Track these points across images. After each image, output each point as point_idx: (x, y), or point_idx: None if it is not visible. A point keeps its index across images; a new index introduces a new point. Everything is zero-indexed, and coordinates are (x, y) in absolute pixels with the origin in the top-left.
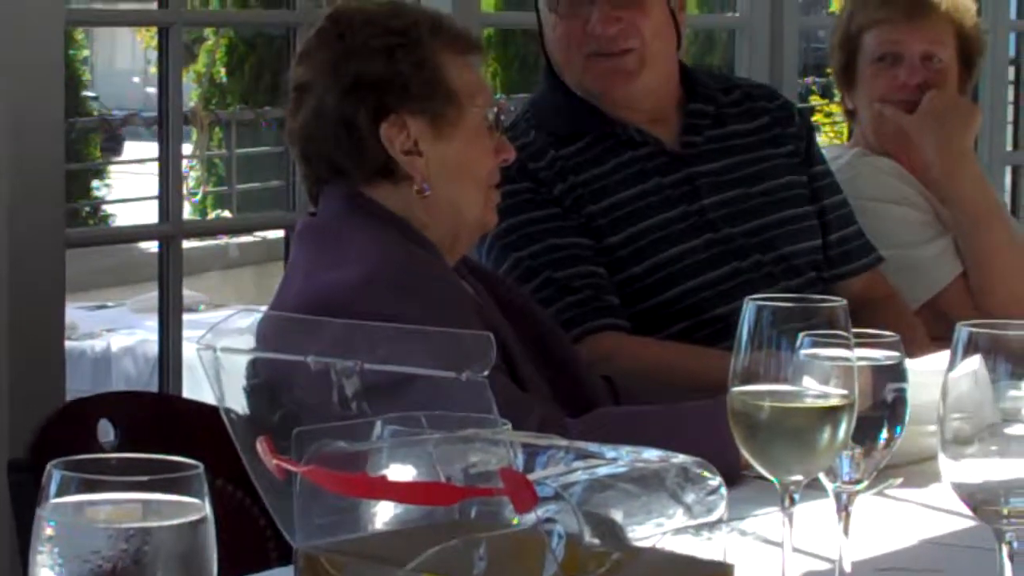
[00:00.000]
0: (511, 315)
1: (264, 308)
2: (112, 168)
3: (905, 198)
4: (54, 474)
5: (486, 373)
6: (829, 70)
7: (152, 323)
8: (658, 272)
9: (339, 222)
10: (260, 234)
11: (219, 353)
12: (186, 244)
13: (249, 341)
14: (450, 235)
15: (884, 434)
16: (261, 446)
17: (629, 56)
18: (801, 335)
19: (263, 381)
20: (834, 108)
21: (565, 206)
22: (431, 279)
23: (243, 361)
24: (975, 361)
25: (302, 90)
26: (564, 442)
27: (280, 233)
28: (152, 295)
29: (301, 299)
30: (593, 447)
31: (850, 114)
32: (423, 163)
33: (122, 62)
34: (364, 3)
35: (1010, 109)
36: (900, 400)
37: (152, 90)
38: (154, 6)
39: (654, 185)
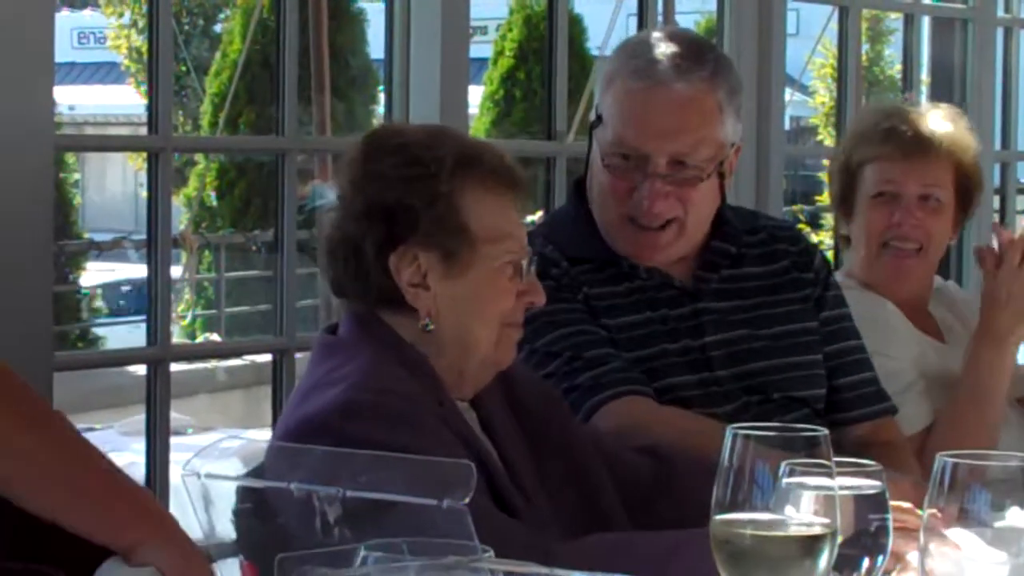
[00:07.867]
0: (523, 418)
1: (249, 433)
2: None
3: (879, 350)
4: None
5: (466, 501)
6: (818, 198)
7: (140, 446)
8: None
9: (344, 340)
10: (249, 357)
11: (203, 479)
12: (174, 367)
13: (234, 466)
14: (455, 370)
15: (865, 562)
16: (243, 572)
17: (667, 230)
18: (783, 463)
19: (248, 507)
20: (821, 236)
21: (589, 308)
22: (410, 408)
23: (228, 487)
24: None
25: (338, 199)
26: (545, 570)
27: (268, 357)
28: (140, 418)
29: (293, 419)
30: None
31: (845, 239)
32: (430, 297)
33: (113, 184)
34: (408, 126)
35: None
36: (882, 529)
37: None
38: (144, 131)
39: (661, 315)
